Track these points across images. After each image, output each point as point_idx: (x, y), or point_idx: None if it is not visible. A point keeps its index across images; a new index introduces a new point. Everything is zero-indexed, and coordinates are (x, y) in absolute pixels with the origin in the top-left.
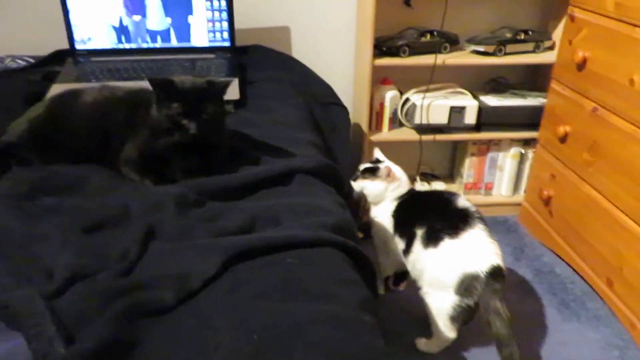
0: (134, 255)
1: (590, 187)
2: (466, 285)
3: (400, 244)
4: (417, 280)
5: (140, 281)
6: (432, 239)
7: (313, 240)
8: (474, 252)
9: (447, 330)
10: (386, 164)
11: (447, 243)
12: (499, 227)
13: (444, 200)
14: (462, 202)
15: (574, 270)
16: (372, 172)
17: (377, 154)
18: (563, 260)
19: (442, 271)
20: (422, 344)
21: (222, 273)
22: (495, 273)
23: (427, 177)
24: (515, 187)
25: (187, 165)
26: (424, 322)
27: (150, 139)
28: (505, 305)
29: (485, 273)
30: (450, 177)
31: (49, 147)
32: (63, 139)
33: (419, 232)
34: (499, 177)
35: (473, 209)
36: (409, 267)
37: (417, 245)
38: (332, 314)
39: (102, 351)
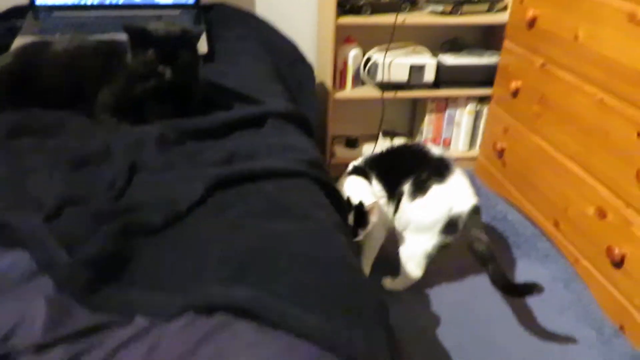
0: (120, 185)
1: (539, 138)
2: (452, 224)
3: (389, 208)
4: (400, 231)
5: (129, 205)
6: (419, 189)
7: (290, 171)
8: (458, 193)
9: (418, 269)
10: (365, 201)
11: (434, 189)
12: None
13: (419, 151)
14: (435, 150)
15: (525, 215)
16: (362, 223)
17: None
18: (515, 207)
19: (431, 215)
20: (388, 283)
21: (206, 199)
22: (476, 209)
23: (389, 134)
24: (471, 142)
25: (163, 111)
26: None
27: (126, 86)
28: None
29: (468, 210)
30: (410, 134)
31: (19, 96)
32: (34, 88)
33: (406, 188)
34: (456, 133)
35: (446, 154)
36: (395, 224)
37: (405, 200)
38: (312, 231)
39: (101, 261)
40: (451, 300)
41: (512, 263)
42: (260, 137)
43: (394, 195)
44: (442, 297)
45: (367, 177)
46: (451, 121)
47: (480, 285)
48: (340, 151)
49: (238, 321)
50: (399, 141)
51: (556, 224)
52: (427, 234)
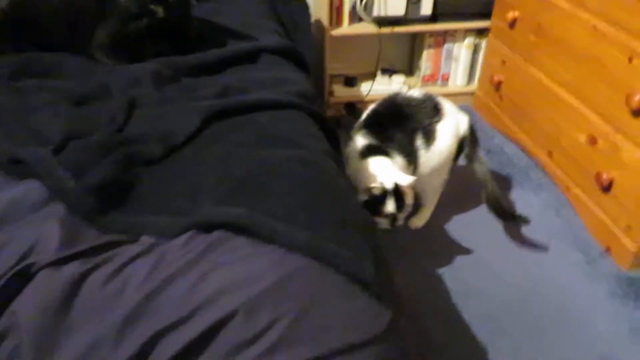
0: (120, 119)
1: (535, 68)
2: (460, 146)
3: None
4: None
5: (130, 137)
6: (429, 138)
7: (282, 103)
8: (456, 117)
9: (437, 197)
10: (400, 181)
11: (440, 130)
12: None
13: (407, 104)
14: (416, 93)
15: (520, 147)
16: (400, 206)
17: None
18: (511, 140)
19: (447, 151)
20: (416, 221)
21: (202, 130)
22: (472, 129)
23: (388, 72)
24: (470, 77)
25: (157, 50)
26: None
27: (119, 25)
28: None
29: (467, 132)
30: (409, 71)
31: (18, 39)
32: (31, 31)
33: (419, 144)
34: (454, 68)
35: (429, 93)
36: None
37: (422, 153)
38: (302, 157)
39: (107, 187)
40: (448, 226)
41: (507, 193)
42: (253, 72)
43: (412, 157)
44: (439, 221)
45: (387, 154)
46: (449, 56)
47: (475, 211)
48: (339, 90)
49: (234, 237)
50: (397, 79)
51: (550, 154)
52: (446, 167)
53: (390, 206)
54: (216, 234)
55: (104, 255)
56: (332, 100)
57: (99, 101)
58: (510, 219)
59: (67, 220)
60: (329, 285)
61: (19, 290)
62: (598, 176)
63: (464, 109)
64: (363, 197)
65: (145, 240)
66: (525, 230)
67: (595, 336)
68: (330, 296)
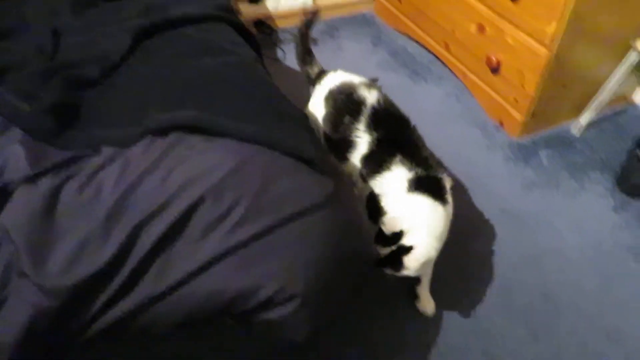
0: (49, 49)
1: None
2: None
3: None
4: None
5: (65, 63)
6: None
7: (206, 15)
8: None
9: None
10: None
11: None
12: (357, 23)
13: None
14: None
15: (422, 45)
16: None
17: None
18: (413, 39)
19: None
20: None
21: (134, 48)
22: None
23: None
24: None
25: None
26: None
27: None
28: None
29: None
30: None
31: None
32: None
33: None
34: None
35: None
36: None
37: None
38: (236, 62)
39: (58, 108)
40: None
41: (411, 87)
42: None
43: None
44: None
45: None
46: None
47: None
48: (245, 7)
49: (189, 136)
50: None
51: (447, 47)
52: None
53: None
54: (172, 136)
55: (73, 169)
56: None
57: (19, 34)
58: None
59: (28, 142)
60: (278, 166)
61: (1, 207)
62: (488, 60)
63: (366, 15)
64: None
65: (107, 151)
66: (432, 118)
67: (496, 194)
68: (281, 174)
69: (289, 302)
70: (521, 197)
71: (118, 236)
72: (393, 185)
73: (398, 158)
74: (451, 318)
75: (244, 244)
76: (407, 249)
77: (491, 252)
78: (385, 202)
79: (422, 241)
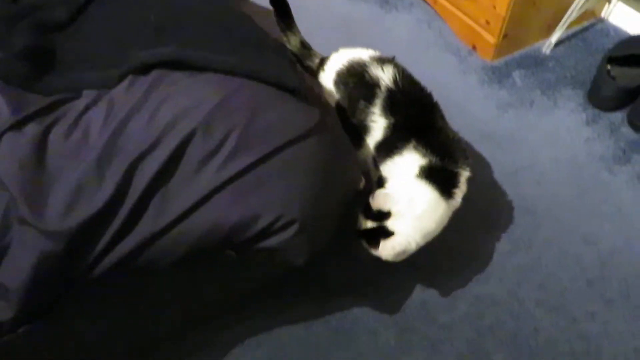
0: None
1: None
2: None
3: None
4: None
5: (31, 5)
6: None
7: None
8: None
9: None
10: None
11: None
12: None
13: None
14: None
15: None
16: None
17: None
18: None
19: None
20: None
21: None
22: None
23: None
24: None
25: None
26: None
27: None
28: None
29: None
30: None
31: None
32: None
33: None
34: None
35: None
36: None
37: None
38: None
39: (30, 53)
40: None
41: (382, 17)
42: None
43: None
44: None
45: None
46: None
47: None
48: None
49: (171, 72)
50: None
51: None
52: None
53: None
54: (154, 74)
55: (56, 113)
56: None
57: None
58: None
59: (7, 90)
60: (265, 96)
61: None
62: None
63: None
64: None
65: (89, 94)
66: (406, 47)
67: (472, 117)
68: (267, 104)
69: (287, 228)
70: (497, 118)
71: (113, 177)
72: (402, 169)
73: (412, 144)
74: (435, 238)
75: (239, 175)
76: (387, 233)
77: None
78: (389, 184)
79: (406, 231)
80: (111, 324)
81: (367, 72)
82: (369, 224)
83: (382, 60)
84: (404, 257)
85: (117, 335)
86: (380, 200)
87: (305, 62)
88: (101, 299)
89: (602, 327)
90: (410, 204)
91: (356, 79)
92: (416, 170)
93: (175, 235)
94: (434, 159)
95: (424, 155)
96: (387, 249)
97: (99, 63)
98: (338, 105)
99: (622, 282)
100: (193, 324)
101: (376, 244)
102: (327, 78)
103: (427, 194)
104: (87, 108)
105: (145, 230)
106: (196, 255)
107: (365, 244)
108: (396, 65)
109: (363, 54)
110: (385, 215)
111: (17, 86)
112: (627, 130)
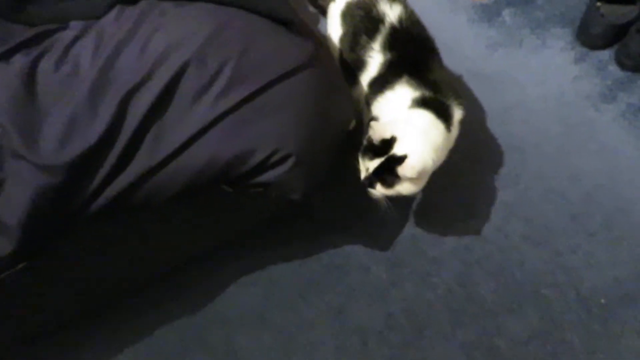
0: None
1: None
2: None
3: None
4: None
5: None
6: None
7: None
8: None
9: None
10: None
11: None
12: None
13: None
14: None
15: None
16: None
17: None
18: None
19: None
20: None
21: None
22: None
23: None
24: None
25: None
26: None
27: None
28: None
29: None
30: None
31: None
32: None
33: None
34: None
35: None
36: None
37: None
38: None
39: None
40: None
41: None
42: None
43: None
44: None
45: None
46: None
47: None
48: None
49: (161, 2)
50: None
51: None
52: None
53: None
54: (142, 3)
55: (44, 45)
56: None
57: None
58: None
59: None
60: (258, 28)
61: None
62: None
63: None
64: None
65: (76, 24)
66: None
67: (462, 56)
68: (261, 36)
69: (284, 162)
70: (486, 57)
71: (107, 110)
72: (394, 104)
73: (404, 79)
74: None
75: (234, 109)
76: (400, 159)
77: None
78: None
79: (417, 148)
80: (109, 261)
81: (375, 7)
82: (375, 162)
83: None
84: (426, 179)
85: (114, 273)
86: (379, 129)
87: (317, 2)
88: (98, 235)
89: (585, 259)
90: (410, 124)
91: (363, 12)
92: (408, 102)
93: (172, 170)
94: (426, 92)
95: (416, 89)
96: (408, 170)
97: None
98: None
99: (605, 216)
100: (189, 262)
101: (394, 176)
102: (337, 8)
103: (423, 114)
104: (75, 39)
105: (142, 164)
106: (192, 190)
107: (380, 188)
108: (405, 6)
109: None
110: (390, 142)
111: None
112: (614, 69)
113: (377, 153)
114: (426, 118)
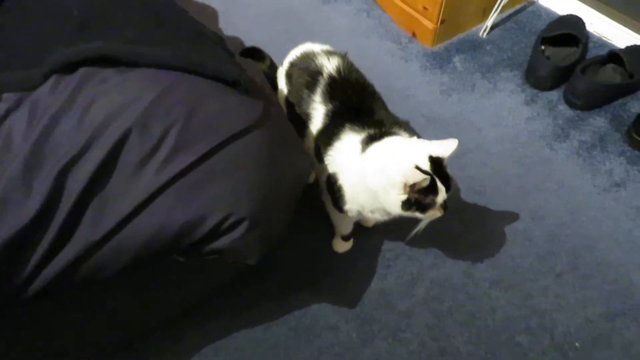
0: None
1: None
2: None
3: None
4: None
5: None
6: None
7: None
8: None
9: None
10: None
11: None
12: None
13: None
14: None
15: None
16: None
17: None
18: None
19: None
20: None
21: None
22: None
23: None
24: None
25: None
26: None
27: None
28: None
29: None
30: None
31: None
32: None
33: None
34: None
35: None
36: None
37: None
38: None
39: None
40: None
41: (320, 7)
42: None
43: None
44: None
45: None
46: None
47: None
48: None
49: (100, 70)
50: None
51: None
52: None
53: (442, 192)
54: (81, 71)
55: None
56: None
57: None
58: None
59: None
60: (204, 90)
61: None
62: None
63: None
64: (401, 198)
65: (9, 97)
66: (345, 34)
67: (417, 103)
68: (207, 98)
69: (237, 227)
70: (441, 103)
71: (42, 186)
72: (345, 154)
73: (347, 126)
74: (389, 224)
75: (181, 174)
76: (435, 188)
77: None
78: (343, 179)
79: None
80: (59, 335)
81: (313, 60)
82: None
83: (331, 53)
84: None
85: (66, 347)
86: (412, 173)
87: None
88: (45, 311)
89: (555, 301)
90: (400, 152)
91: (303, 67)
92: (359, 148)
93: (117, 244)
94: (371, 131)
95: (361, 132)
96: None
97: (18, 62)
98: (287, 99)
99: (570, 255)
100: (145, 332)
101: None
102: (282, 71)
103: (384, 142)
104: (7, 113)
105: (83, 240)
106: (142, 262)
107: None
108: (344, 58)
109: (317, 47)
110: (438, 162)
111: None
112: (564, 108)
113: (415, 202)
114: (388, 142)
